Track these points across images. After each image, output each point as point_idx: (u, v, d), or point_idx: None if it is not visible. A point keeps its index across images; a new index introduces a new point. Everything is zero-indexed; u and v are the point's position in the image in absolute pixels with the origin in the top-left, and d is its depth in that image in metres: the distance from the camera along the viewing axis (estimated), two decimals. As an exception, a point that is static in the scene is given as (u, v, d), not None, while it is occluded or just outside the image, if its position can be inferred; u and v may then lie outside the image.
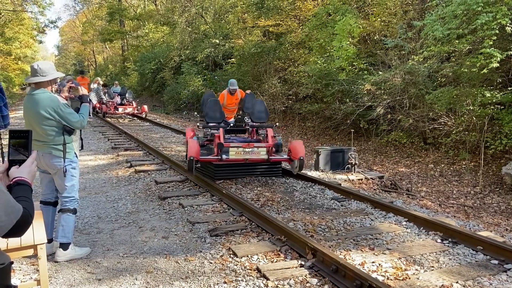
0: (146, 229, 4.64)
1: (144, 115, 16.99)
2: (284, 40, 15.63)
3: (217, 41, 20.16)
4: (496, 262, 3.63)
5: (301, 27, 15.17)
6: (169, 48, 26.27)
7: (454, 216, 5.72)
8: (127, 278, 3.43)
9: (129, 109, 17.05)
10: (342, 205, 5.46)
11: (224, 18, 21.92)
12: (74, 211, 3.83)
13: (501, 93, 7.84)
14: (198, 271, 3.56)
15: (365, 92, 10.37)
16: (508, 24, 6.92)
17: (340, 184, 6.64)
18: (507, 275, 3.40)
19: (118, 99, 16.92)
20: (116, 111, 16.74)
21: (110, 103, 16.79)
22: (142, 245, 4.14)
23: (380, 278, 3.30)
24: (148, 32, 31.65)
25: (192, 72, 20.72)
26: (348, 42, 11.16)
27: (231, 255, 3.83)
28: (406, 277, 3.34)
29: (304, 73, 13.51)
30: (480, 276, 3.37)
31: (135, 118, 17.52)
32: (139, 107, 17.59)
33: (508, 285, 3.22)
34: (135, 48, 34.96)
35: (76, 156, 3.86)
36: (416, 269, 3.52)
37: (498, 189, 7.17)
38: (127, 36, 36.56)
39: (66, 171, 3.70)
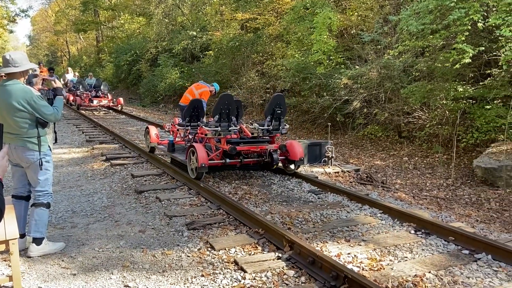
0: (122, 223, 4.58)
1: (119, 108, 16.70)
2: (262, 34, 15.60)
3: (195, 33, 19.95)
4: (467, 252, 3.75)
5: (279, 21, 15.17)
6: (145, 39, 25.84)
7: (427, 208, 5.87)
8: (102, 273, 3.39)
9: (104, 102, 16.71)
10: (319, 198, 5.52)
11: (202, 10, 21.69)
12: (47, 205, 3.75)
13: (473, 88, 8.07)
14: (176, 264, 3.54)
15: (342, 86, 10.49)
16: (480, 20, 7.10)
17: (317, 177, 6.70)
18: (478, 264, 3.52)
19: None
20: (91, 104, 16.39)
21: (85, 95, 16.42)
22: (118, 240, 4.09)
23: (356, 269, 3.36)
24: (124, 23, 31.05)
25: (169, 64, 20.47)
26: (327, 35, 11.24)
27: (209, 249, 3.82)
28: (380, 268, 3.42)
29: (282, 67, 13.54)
30: (451, 266, 3.48)
31: (110, 110, 17.20)
32: (114, 99, 17.27)
33: (478, 274, 3.34)
34: (110, 39, 34.21)
35: (50, 149, 3.77)
36: (390, 260, 3.61)
37: (469, 181, 7.40)
38: (102, 26, 35.74)
39: (41, 165, 3.61)
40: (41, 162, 3.61)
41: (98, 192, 5.83)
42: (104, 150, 8.72)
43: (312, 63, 11.83)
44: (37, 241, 3.67)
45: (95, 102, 16.44)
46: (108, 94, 17.15)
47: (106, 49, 34.21)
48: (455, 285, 3.17)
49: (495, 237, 4.34)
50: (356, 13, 12.24)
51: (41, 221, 3.68)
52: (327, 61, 11.43)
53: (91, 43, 43.44)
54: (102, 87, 17.00)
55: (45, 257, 3.66)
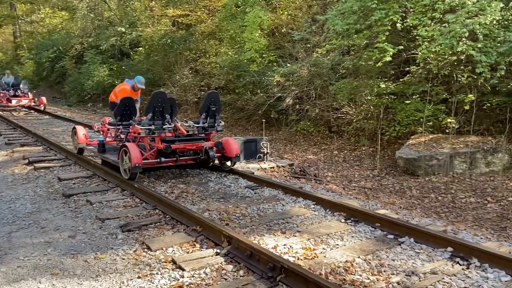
0: (49, 229, 4.32)
1: (42, 108, 15.64)
2: (194, 31, 15.44)
3: (123, 29, 19.20)
4: (392, 236, 4.03)
5: (211, 18, 15.11)
6: (69, 35, 24.41)
7: (356, 198, 6.21)
8: (29, 282, 3.18)
9: (24, 101, 15.56)
10: (255, 193, 5.61)
11: (130, 5, 20.92)
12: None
13: (394, 84, 8.64)
14: (110, 268, 3.42)
15: (275, 83, 10.72)
16: (398, 21, 7.62)
17: (253, 173, 6.81)
18: (401, 247, 3.80)
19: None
20: (9, 104, 15.18)
21: (2, 94, 15.17)
22: (45, 247, 3.85)
23: (291, 259, 3.48)
24: (44, 17, 29.04)
25: (97, 62, 19.54)
26: (258, 34, 11.41)
27: (145, 249, 3.74)
28: (314, 256, 3.57)
29: (216, 64, 13.51)
30: (378, 250, 3.72)
31: (32, 111, 16.04)
32: (36, 99, 16.14)
33: (403, 257, 3.61)
34: (30, 35, 31.85)
35: (-37, 153, 3.46)
36: (323, 248, 3.78)
37: (393, 171, 7.93)
38: (19, 21, 33.13)
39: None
40: None
41: (20, 198, 5.43)
42: (26, 153, 8.13)
43: (245, 60, 11.95)
44: (-49, 254, 3.35)
45: (14, 102, 15.26)
46: (29, 93, 16.01)
47: (25, 45, 31.78)
48: (382, 267, 3.39)
49: (416, 221, 4.70)
50: (286, 12, 12.55)
51: (-45, 232, 3.37)
52: (260, 59, 11.61)
53: (8, 38, 39.99)
54: (21, 85, 15.82)
55: (-39, 270, 3.36)
